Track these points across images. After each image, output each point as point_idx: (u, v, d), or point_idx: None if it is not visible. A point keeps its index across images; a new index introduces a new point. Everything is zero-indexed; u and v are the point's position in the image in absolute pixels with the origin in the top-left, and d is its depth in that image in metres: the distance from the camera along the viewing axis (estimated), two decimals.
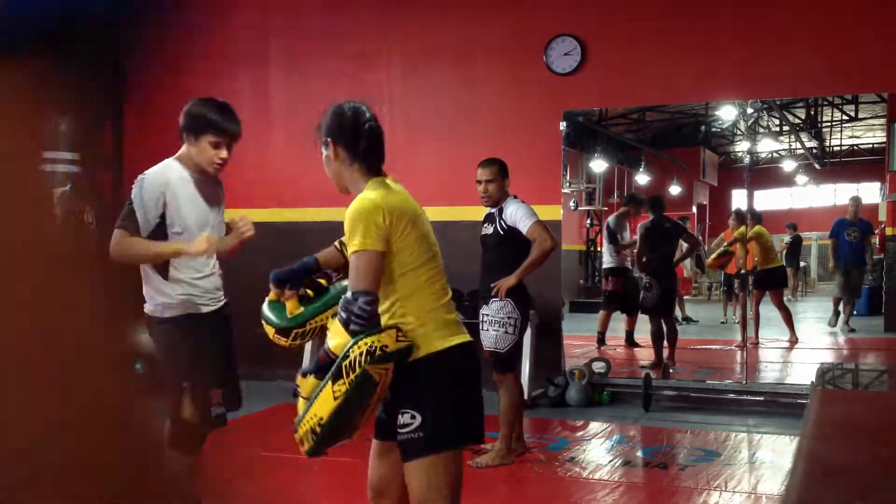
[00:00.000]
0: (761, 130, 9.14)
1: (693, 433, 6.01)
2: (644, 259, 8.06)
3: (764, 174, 9.58)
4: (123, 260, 3.54)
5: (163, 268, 3.62)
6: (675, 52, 7.02)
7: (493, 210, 5.24)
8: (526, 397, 6.18)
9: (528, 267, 5.02)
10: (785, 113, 9.09)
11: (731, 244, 8.53)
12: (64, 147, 6.74)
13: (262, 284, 3.05)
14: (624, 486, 4.79)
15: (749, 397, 6.78)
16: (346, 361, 2.49)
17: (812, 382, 3.32)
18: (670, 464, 5.23)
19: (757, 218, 8.50)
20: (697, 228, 10.08)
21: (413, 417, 2.65)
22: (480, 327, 5.03)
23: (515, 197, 5.23)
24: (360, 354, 2.48)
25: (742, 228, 8.24)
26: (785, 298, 8.75)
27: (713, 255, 8.94)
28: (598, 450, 5.62)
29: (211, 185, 3.76)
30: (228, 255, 3.76)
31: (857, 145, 9.79)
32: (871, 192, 9.12)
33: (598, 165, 9.64)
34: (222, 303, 3.80)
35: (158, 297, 3.64)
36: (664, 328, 7.87)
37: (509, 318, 5.03)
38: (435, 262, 2.77)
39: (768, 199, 9.90)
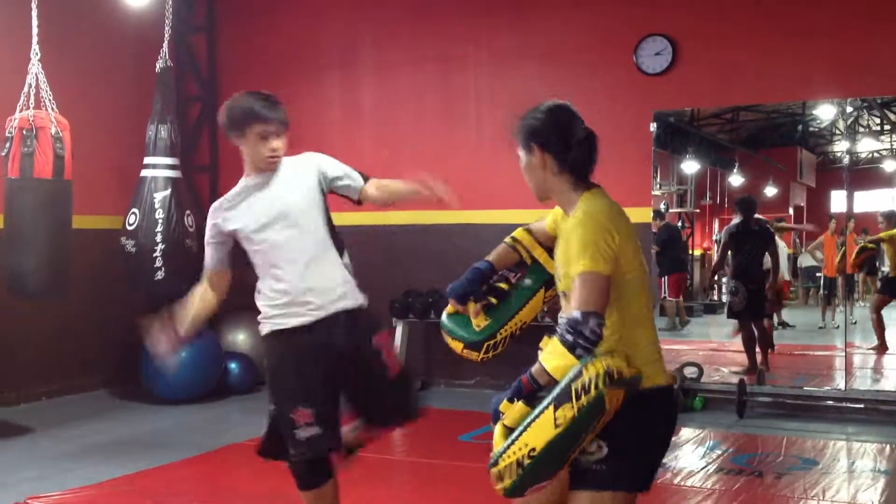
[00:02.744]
0: (861, 130, 8.86)
1: (789, 441, 5.85)
2: (730, 262, 7.90)
3: (864, 175, 9.26)
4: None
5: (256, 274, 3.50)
6: (769, 50, 6.86)
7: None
8: None
9: None
10: (886, 111, 8.79)
11: (874, 241, 8.35)
12: (164, 153, 6.92)
13: None
14: (717, 493, 4.70)
15: (848, 404, 6.57)
16: (578, 383, 2.21)
17: None
18: (765, 472, 5.11)
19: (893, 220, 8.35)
20: (794, 231, 9.81)
21: (600, 447, 2.39)
22: None
23: None
24: (597, 376, 2.21)
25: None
26: (861, 305, 8.50)
27: (853, 256, 8.69)
28: (690, 456, 5.51)
29: (275, 183, 3.41)
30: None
31: None
32: None
33: (690, 167, 9.47)
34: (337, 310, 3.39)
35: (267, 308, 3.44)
36: (755, 332, 7.69)
37: None
38: (648, 289, 2.55)
39: (868, 201, 9.56)
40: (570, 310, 2.43)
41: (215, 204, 3.49)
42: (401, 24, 8.10)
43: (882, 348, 8.07)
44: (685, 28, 7.07)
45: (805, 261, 9.51)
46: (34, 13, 5.80)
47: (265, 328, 3.44)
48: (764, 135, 9.62)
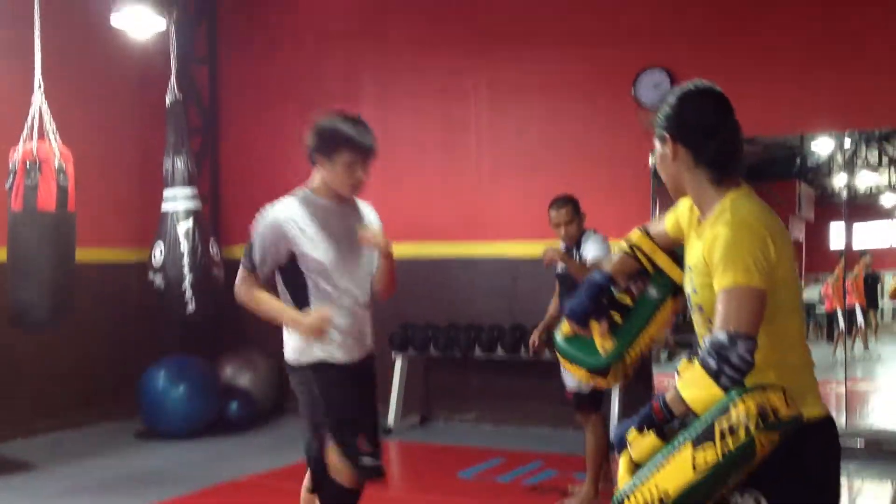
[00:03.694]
0: (860, 163, 8.89)
1: None
2: None
3: (863, 208, 9.28)
4: (246, 306, 3.32)
5: (301, 300, 3.29)
6: (768, 84, 6.91)
7: (569, 246, 5.19)
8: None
9: None
10: (885, 144, 8.83)
11: None
12: (182, 184, 6.87)
13: None
14: None
15: (849, 441, 6.53)
16: (724, 422, 1.86)
17: None
18: None
19: None
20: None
21: (757, 502, 2.04)
22: (561, 367, 4.89)
23: (595, 231, 5.18)
24: (748, 416, 1.85)
25: None
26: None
27: (892, 287, 8.66)
28: None
29: (350, 215, 3.38)
30: (386, 290, 3.48)
31: None
32: None
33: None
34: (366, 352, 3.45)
35: (292, 340, 3.34)
36: None
37: None
38: (801, 305, 2.20)
39: (868, 235, 9.56)
40: (705, 328, 2.13)
41: (286, 212, 3.29)
42: (401, 57, 8.16)
43: None
44: (684, 61, 7.11)
45: (805, 294, 9.49)
46: (37, 44, 5.84)
47: (309, 356, 3.32)
48: (763, 168, 9.65)
